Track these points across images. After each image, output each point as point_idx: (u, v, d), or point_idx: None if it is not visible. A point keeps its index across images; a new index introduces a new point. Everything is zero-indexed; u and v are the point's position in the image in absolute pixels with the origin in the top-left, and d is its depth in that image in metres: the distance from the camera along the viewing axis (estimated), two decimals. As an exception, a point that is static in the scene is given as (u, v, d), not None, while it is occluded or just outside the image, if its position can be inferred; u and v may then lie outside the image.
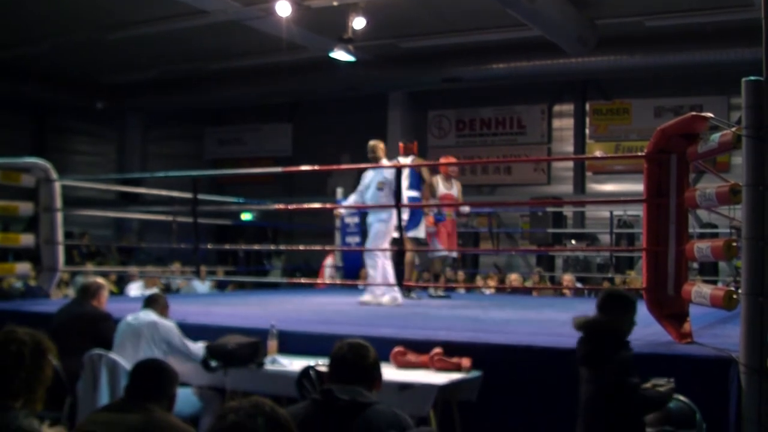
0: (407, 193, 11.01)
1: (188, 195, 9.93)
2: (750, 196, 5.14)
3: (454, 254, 13.21)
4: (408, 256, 11.53)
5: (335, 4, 15.94)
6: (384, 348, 5.97)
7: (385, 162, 10.74)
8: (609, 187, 20.14)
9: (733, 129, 5.32)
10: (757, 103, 5.17)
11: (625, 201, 7.36)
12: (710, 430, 5.09)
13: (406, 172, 11.08)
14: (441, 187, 11.74)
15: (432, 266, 12.95)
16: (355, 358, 4.06)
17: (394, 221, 9.87)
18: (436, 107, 22.36)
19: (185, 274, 15.64)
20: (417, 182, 11.70)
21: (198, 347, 6.50)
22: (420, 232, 11.66)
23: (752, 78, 5.19)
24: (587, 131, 20.84)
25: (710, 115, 5.73)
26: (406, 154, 12.00)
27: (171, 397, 4.30)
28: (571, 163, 21.01)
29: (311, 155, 21.81)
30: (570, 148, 20.92)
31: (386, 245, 10.37)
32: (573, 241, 19.23)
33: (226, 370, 6.24)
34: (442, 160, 11.90)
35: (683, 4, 16.25)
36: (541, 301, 11.44)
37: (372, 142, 11.10)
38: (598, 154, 20.21)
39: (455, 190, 11.94)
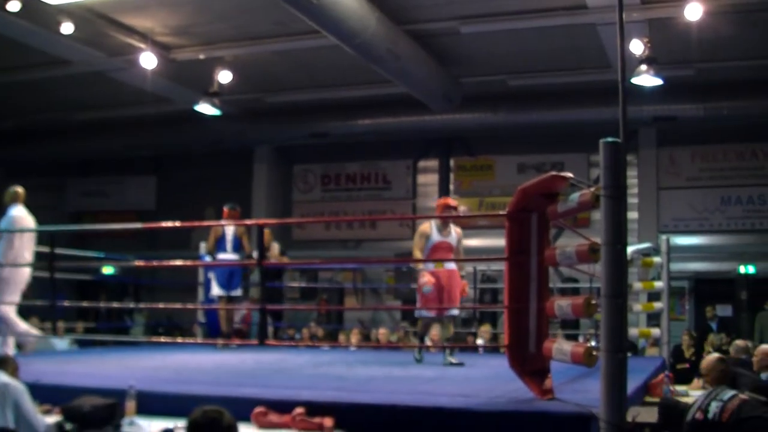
0: (222, 255, 12.94)
1: (46, 249, 9.66)
2: (608, 255, 5.24)
3: (454, 312, 10.81)
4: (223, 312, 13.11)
5: (201, 57, 15.91)
6: (245, 408, 5.88)
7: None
8: (474, 242, 20.36)
9: (592, 189, 5.43)
10: (614, 163, 5.29)
11: (488, 259, 7.53)
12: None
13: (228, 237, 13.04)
14: (435, 235, 10.08)
15: (440, 330, 11.68)
16: (211, 425, 4.03)
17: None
18: (302, 161, 22.35)
19: (43, 331, 15.16)
20: (235, 246, 13.16)
21: (42, 422, 6.22)
22: (215, 290, 13.11)
23: (609, 139, 5.32)
24: (451, 187, 21.10)
25: (570, 175, 5.84)
26: (230, 218, 12.98)
27: None
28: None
29: (175, 209, 21.57)
30: (434, 203, 21.05)
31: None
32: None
33: (81, 434, 6.03)
34: (440, 203, 10.36)
35: (545, 64, 16.76)
36: (407, 357, 11.42)
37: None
38: (461, 209, 20.43)
39: (453, 237, 10.15)
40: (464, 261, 8.31)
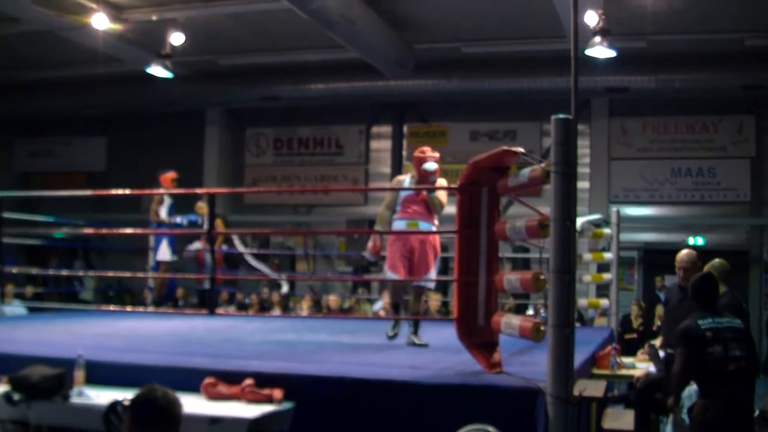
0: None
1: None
2: (557, 231, 5.27)
3: (429, 284, 9.39)
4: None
5: (154, 18, 15.72)
6: (195, 378, 5.87)
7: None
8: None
9: (542, 165, 5.45)
10: (565, 140, 5.31)
11: (438, 232, 7.41)
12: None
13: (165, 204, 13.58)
14: (407, 184, 9.01)
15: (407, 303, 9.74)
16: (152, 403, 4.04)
17: None
18: (254, 125, 22.18)
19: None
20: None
21: None
22: (162, 255, 13.61)
23: (561, 116, 5.33)
24: (404, 153, 21.07)
25: (520, 150, 5.85)
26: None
27: None
28: (387, 185, 21.18)
29: (126, 170, 21.42)
30: (387, 169, 21.09)
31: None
32: (388, 263, 19.35)
33: (29, 404, 5.98)
34: (416, 154, 8.93)
35: (499, 32, 16.74)
36: (357, 325, 11.44)
37: None
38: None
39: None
40: (414, 233, 8.09)
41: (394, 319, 9.06)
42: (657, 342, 9.14)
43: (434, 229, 8.82)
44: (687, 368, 6.70)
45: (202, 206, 13.49)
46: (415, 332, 8.59)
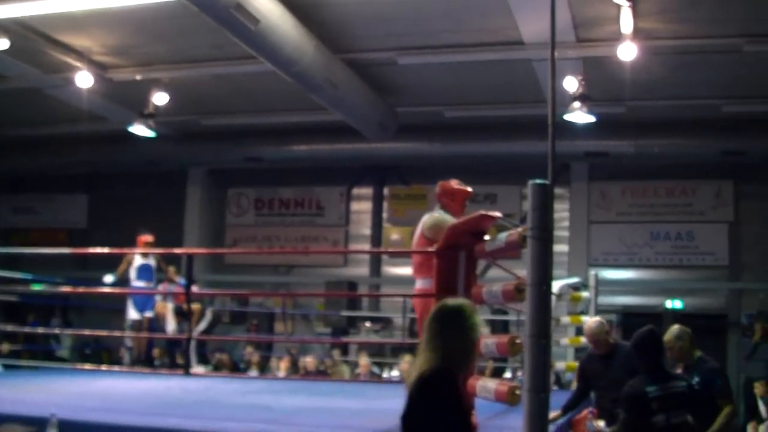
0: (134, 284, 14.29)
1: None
2: (534, 295, 5.28)
3: None
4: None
5: (138, 78, 15.79)
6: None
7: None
8: (404, 271, 20.39)
9: (519, 229, 5.49)
10: (542, 205, 5.34)
11: (416, 295, 7.22)
12: None
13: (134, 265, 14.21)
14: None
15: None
16: None
17: None
18: (236, 185, 22.23)
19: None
20: (147, 275, 14.45)
21: None
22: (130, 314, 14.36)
23: (538, 181, 5.38)
24: (385, 215, 21.15)
25: (498, 214, 5.91)
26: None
27: None
28: (368, 247, 21.19)
29: (107, 228, 21.36)
30: (367, 230, 21.14)
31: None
32: (368, 324, 19.34)
33: (1, 462, 5.95)
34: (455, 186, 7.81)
35: (481, 97, 16.92)
36: (335, 387, 11.41)
37: None
38: (394, 237, 20.50)
39: (416, 233, 7.78)
40: (392, 296, 8.06)
41: None
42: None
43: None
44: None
45: (172, 270, 13.91)
46: None
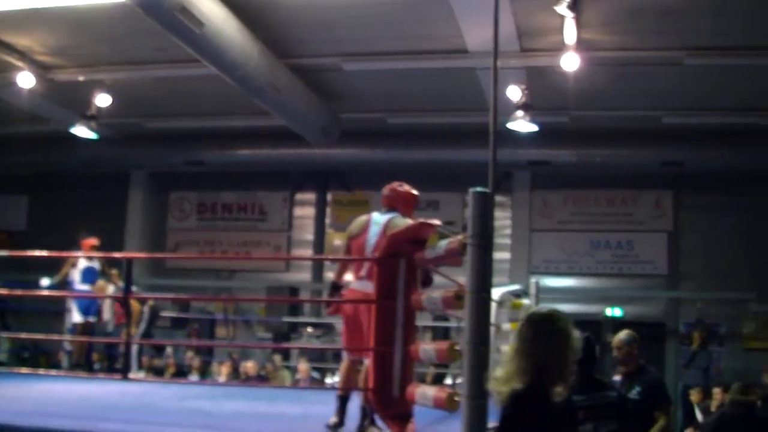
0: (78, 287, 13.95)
1: None
2: (473, 302, 5.32)
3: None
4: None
5: (80, 79, 15.63)
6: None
7: None
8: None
9: (459, 237, 5.52)
10: (482, 213, 5.38)
11: (356, 301, 7.07)
12: None
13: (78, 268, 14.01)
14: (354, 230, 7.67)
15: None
16: None
17: None
18: (178, 189, 22.07)
19: None
20: (91, 277, 14.21)
21: None
22: (73, 318, 14.18)
23: (479, 189, 5.41)
24: (327, 220, 21.12)
25: (438, 222, 5.94)
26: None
27: None
28: (310, 252, 21.16)
29: (48, 230, 21.03)
30: (310, 236, 21.10)
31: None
32: (309, 329, 19.30)
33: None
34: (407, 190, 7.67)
35: (425, 104, 16.99)
36: (275, 392, 11.37)
37: None
38: (336, 243, 20.48)
39: (373, 234, 7.32)
40: (334, 302, 7.85)
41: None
42: None
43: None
44: None
45: (116, 273, 13.78)
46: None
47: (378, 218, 7.39)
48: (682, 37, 13.19)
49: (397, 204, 7.52)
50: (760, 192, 18.14)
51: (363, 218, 7.58)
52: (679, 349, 18.43)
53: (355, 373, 7.40)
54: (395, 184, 7.62)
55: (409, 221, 7.14)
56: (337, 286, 7.71)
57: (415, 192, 7.70)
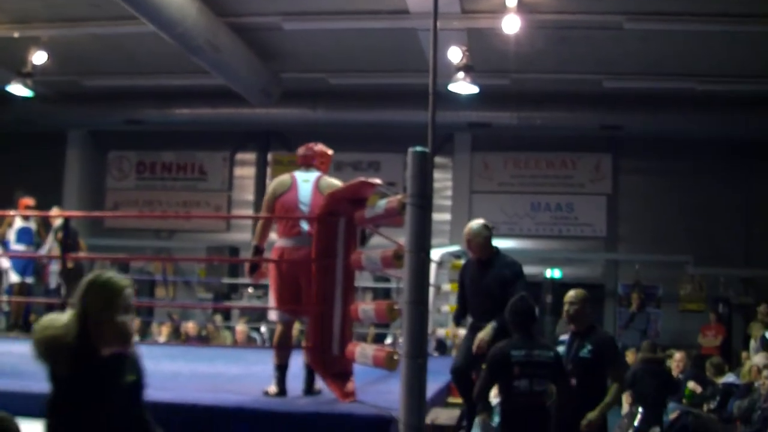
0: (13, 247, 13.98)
1: None
2: (412, 262, 5.33)
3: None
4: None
5: (15, 36, 15.33)
6: (36, 405, 5.72)
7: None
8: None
9: (398, 197, 5.52)
10: (421, 172, 5.38)
11: (295, 261, 6.91)
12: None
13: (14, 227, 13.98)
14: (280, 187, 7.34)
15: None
16: None
17: None
18: (117, 148, 21.81)
19: None
20: (27, 238, 14.16)
21: None
22: (10, 278, 14.05)
23: (418, 149, 5.41)
24: (268, 181, 21.02)
25: (377, 181, 5.93)
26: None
27: None
28: (251, 212, 21.08)
29: (-19, 190, 20.72)
30: (251, 196, 21.00)
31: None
32: (250, 290, 19.25)
33: None
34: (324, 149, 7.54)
35: (366, 65, 16.94)
36: (216, 352, 11.34)
37: None
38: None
39: (307, 190, 7.11)
40: (274, 262, 7.59)
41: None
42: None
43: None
44: (485, 389, 6.86)
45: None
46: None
47: (304, 176, 7.21)
48: (622, 1, 13.29)
49: (313, 162, 7.35)
50: (697, 156, 18.42)
51: (285, 177, 7.34)
52: (617, 310, 18.75)
53: (291, 339, 7.27)
54: (311, 144, 7.51)
55: (339, 182, 7.08)
56: (259, 250, 7.36)
57: (330, 151, 7.53)
